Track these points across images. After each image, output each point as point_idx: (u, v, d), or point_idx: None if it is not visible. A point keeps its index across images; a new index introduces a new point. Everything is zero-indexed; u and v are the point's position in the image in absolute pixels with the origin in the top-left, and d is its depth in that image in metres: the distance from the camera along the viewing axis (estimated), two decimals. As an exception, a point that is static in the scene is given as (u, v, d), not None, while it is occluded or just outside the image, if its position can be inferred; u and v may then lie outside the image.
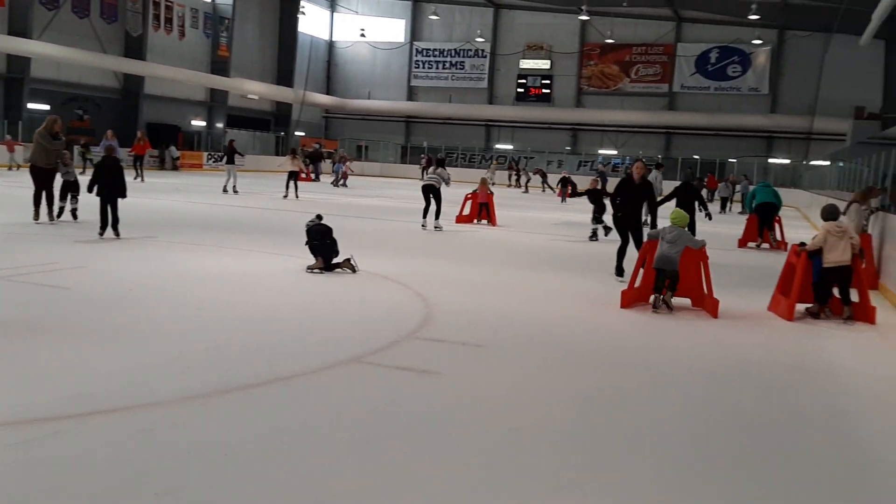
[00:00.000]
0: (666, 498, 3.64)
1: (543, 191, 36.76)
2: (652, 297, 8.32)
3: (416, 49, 54.02)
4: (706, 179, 34.00)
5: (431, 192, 15.53)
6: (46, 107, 32.81)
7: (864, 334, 7.75)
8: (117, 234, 11.31)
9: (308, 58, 50.90)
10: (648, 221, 13.01)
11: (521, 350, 6.36)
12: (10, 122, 32.04)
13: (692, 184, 15.27)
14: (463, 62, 53.02)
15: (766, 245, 15.69)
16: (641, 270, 8.59)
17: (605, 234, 14.86)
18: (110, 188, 11.23)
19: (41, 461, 3.63)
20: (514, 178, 41.15)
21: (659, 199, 12.70)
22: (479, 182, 18.33)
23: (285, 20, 50.26)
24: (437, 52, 53.67)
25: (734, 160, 43.72)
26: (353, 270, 9.43)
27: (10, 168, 28.70)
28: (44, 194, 12.70)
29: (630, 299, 8.38)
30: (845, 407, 5.30)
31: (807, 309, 8.40)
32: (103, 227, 11.26)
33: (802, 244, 8.62)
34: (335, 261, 9.44)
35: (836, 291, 8.32)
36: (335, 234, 9.63)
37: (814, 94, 42.55)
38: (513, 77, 51.71)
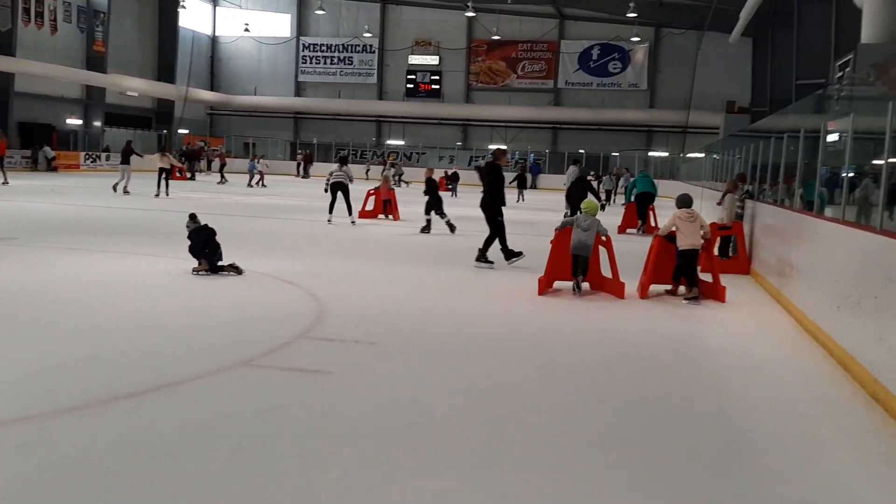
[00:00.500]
0: (556, 483, 3.74)
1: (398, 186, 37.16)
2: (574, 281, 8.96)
3: (304, 44, 53.25)
4: (611, 174, 36.38)
5: (340, 189, 16.12)
6: None
7: (734, 315, 8.22)
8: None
9: (190, 53, 49.22)
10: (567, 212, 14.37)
11: (414, 345, 6.38)
12: None
13: (586, 178, 17.14)
14: (351, 57, 52.65)
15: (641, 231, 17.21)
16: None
17: (428, 231, 15.36)
18: None
19: None
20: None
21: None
22: (382, 179, 19.39)
23: (165, 14, 48.43)
24: (324, 48, 53.07)
25: (617, 154, 45.31)
26: (239, 272, 9.19)
27: None
28: None
29: (546, 286, 8.96)
30: (722, 386, 5.59)
31: (666, 291, 9.17)
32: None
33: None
34: (221, 263, 9.17)
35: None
36: (221, 235, 9.36)
37: (689, 90, 44.59)
38: (402, 73, 51.76)
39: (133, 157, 23.12)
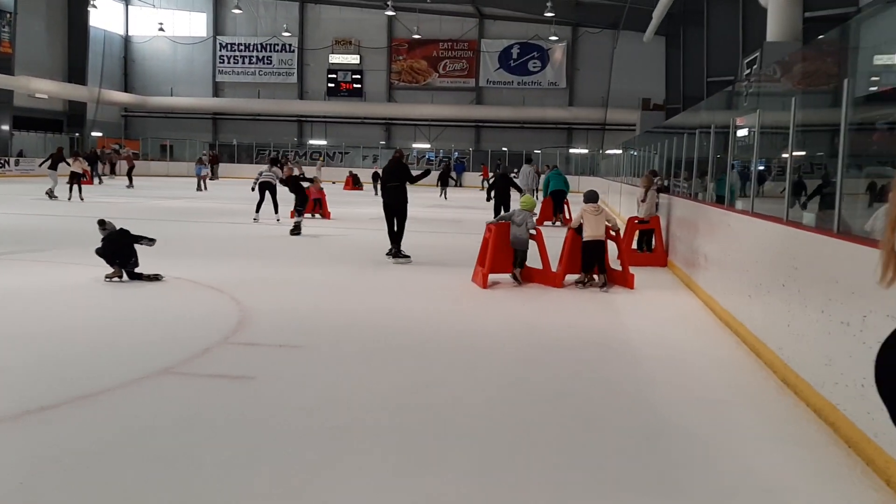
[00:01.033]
0: (483, 476, 3.77)
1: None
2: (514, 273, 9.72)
3: (221, 44, 52.18)
4: (481, 170, 41.07)
5: (268, 189, 16.73)
6: None
7: (653, 306, 8.46)
8: None
9: (102, 54, 47.63)
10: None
11: (340, 348, 6.33)
12: None
13: (508, 175, 18.35)
14: (270, 57, 51.87)
15: (558, 223, 18.34)
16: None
17: (294, 232, 14.74)
18: None
19: None
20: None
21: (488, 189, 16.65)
22: (312, 180, 19.88)
23: (74, 14, 46.66)
24: (242, 47, 52.13)
25: (539, 151, 45.96)
26: (158, 279, 8.94)
27: None
28: None
29: (485, 279, 9.42)
30: (642, 375, 5.74)
31: (576, 281, 9.70)
32: None
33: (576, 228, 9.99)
34: (139, 271, 8.88)
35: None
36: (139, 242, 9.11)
37: (606, 88, 45.60)
38: (323, 72, 51.29)
39: (62, 165, 23.25)
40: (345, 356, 6.07)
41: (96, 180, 33.15)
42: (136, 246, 8.96)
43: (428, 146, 50.36)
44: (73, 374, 5.27)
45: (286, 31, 50.42)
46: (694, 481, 3.83)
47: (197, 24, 52.24)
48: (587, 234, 9.48)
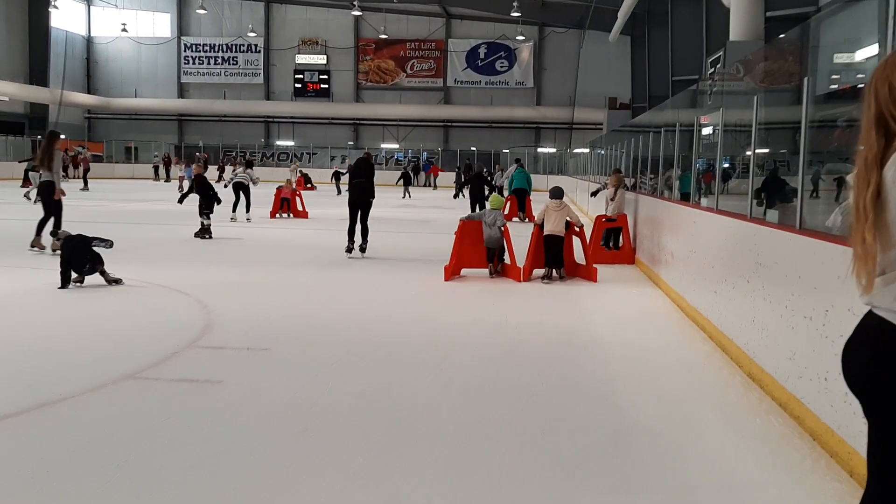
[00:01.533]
0: (449, 478, 3.76)
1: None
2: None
3: (185, 44, 51.64)
4: (431, 169, 43.04)
5: (241, 189, 17.70)
6: None
7: (620, 304, 8.52)
8: None
9: (64, 55, 46.84)
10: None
11: (308, 350, 6.27)
12: None
13: (482, 174, 20.40)
14: (236, 57, 51.44)
15: (526, 219, 19.44)
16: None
17: (205, 236, 14.13)
18: None
19: None
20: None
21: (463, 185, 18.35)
22: (285, 181, 21.44)
23: (35, 14, 45.85)
24: (207, 48, 51.62)
25: (507, 151, 46.12)
26: (119, 283, 8.78)
27: None
28: None
29: (451, 273, 9.92)
30: (608, 374, 5.77)
31: (542, 276, 10.03)
32: None
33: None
34: (89, 274, 8.70)
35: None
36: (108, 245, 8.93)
37: (573, 87, 45.89)
38: (289, 72, 50.99)
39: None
40: (312, 359, 6.02)
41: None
42: (99, 249, 8.79)
43: (396, 146, 50.29)
44: (33, 382, 5.16)
45: (252, 31, 50.03)
46: (660, 478, 3.85)
47: (161, 25, 51.63)
48: (547, 229, 9.94)
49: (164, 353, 5.93)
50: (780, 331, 4.97)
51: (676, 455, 4.15)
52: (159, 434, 4.25)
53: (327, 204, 25.64)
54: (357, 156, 15.82)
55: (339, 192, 32.14)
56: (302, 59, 50.96)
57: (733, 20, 22.14)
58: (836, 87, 6.28)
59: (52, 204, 11.22)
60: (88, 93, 50.82)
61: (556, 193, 10.43)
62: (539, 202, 13.14)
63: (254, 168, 19.52)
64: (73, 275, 8.61)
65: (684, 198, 9.35)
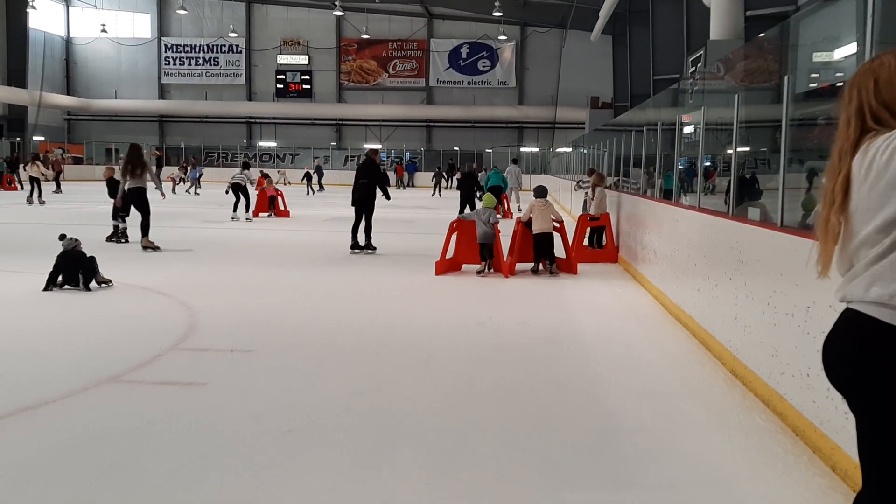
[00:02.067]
0: (435, 477, 3.76)
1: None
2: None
3: (166, 45, 51.32)
4: (395, 169, 43.61)
5: (240, 190, 18.48)
6: None
7: (604, 301, 8.56)
8: None
9: (43, 55, 46.41)
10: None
11: (293, 351, 6.25)
12: None
13: (473, 174, 20.52)
14: (217, 58, 51.17)
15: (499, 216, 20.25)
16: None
17: (121, 239, 13.44)
18: None
19: None
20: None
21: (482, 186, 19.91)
22: (270, 181, 22.00)
23: (13, 14, 45.39)
24: (188, 48, 51.32)
25: (490, 150, 46.19)
26: (109, 284, 8.72)
27: None
28: None
29: (442, 268, 10.33)
30: (593, 371, 5.80)
31: (531, 269, 10.50)
32: None
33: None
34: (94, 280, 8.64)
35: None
36: (88, 246, 8.85)
37: (555, 86, 46.00)
38: (271, 73, 50.80)
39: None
40: (297, 359, 6.00)
41: (19, 186, 32.42)
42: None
43: (379, 146, 50.19)
44: (17, 385, 5.11)
45: (233, 31, 49.79)
46: (645, 475, 3.87)
47: (141, 26, 51.27)
48: (536, 228, 10.32)
49: (147, 356, 5.89)
50: (762, 327, 5.01)
51: (662, 451, 4.17)
52: (143, 437, 4.22)
53: (305, 204, 25.57)
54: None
55: (309, 192, 32.75)
56: (284, 59, 50.79)
57: (714, 19, 22.31)
58: (815, 85, 6.34)
59: (146, 206, 12.50)
60: (68, 94, 50.41)
61: (541, 192, 10.90)
62: (523, 201, 13.22)
63: (251, 169, 20.28)
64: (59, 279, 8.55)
65: (667, 196, 9.41)
